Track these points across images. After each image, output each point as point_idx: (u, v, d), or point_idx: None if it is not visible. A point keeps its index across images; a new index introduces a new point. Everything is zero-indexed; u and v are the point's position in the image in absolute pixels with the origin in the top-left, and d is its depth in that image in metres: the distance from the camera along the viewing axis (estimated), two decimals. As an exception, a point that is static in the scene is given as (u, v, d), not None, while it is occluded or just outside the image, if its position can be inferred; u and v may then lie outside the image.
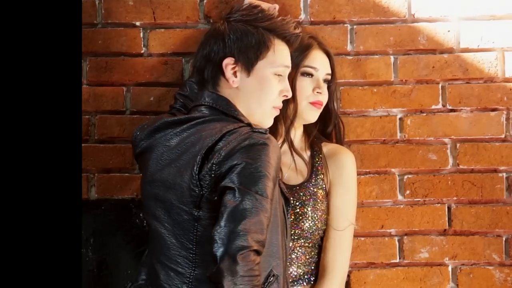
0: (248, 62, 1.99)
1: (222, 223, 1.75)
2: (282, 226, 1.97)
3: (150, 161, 1.99)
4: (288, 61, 2.07)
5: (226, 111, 1.97)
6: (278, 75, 2.03)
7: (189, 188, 1.87)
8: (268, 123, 2.05)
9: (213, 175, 1.83)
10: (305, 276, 2.23)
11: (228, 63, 1.99)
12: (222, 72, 2.00)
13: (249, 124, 1.93)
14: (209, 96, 2.01)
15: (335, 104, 2.34)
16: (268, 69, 2.01)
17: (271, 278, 1.89)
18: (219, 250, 1.73)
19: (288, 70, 2.08)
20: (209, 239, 1.76)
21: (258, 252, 1.76)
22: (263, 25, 2.02)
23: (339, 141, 2.36)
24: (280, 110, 2.10)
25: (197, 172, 1.85)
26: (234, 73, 1.99)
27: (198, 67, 2.05)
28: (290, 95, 2.07)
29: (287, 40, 2.06)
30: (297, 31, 2.08)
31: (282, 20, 2.06)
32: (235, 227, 1.73)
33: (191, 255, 1.89)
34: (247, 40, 2.00)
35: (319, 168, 2.27)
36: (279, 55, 2.03)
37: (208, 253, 1.76)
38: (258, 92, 2.00)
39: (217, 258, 1.72)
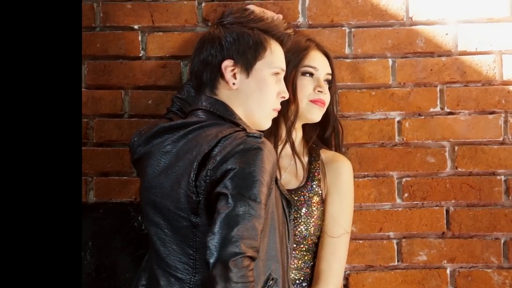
0: (247, 63, 1.99)
1: (215, 230, 1.74)
2: (282, 229, 1.96)
3: (148, 168, 1.98)
4: (283, 61, 2.08)
5: (223, 115, 1.97)
6: (276, 75, 2.03)
7: (186, 195, 1.86)
8: (266, 125, 2.05)
9: (208, 181, 1.83)
10: (297, 281, 2.20)
11: (227, 65, 1.99)
12: (221, 75, 1.99)
13: (244, 129, 1.92)
14: (206, 100, 2.00)
15: (334, 108, 2.33)
16: (266, 70, 2.01)
17: (270, 282, 1.87)
18: (211, 257, 1.71)
19: (283, 72, 2.08)
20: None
21: (252, 258, 1.74)
22: (257, 26, 2.02)
23: (338, 146, 2.35)
24: (281, 111, 2.11)
25: (194, 179, 1.85)
26: (234, 75, 1.99)
27: (196, 72, 2.04)
28: (287, 96, 2.08)
29: (281, 40, 2.07)
30: (289, 31, 2.09)
31: (274, 21, 2.07)
32: (228, 234, 1.72)
33: (191, 261, 1.89)
34: (244, 41, 2.00)
35: (315, 174, 2.25)
36: (276, 55, 2.04)
37: None
38: (257, 93, 2.00)
39: (210, 265, 1.71)
